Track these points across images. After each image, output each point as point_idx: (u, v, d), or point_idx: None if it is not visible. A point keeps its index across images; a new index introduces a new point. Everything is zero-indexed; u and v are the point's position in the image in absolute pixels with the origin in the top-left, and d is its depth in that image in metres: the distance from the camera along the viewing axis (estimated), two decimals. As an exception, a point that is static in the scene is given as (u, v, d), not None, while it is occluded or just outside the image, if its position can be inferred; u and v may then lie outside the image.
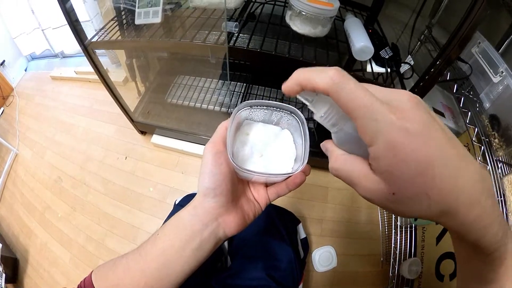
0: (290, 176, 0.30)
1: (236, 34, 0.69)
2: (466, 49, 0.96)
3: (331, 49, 0.71)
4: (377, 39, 0.79)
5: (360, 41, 0.70)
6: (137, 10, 0.82)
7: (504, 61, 0.84)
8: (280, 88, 0.21)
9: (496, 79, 0.87)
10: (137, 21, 0.81)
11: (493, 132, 0.82)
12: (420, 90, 0.76)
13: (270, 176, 0.30)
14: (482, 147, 0.78)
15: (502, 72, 0.83)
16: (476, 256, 0.20)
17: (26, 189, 1.24)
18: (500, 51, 0.96)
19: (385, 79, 0.74)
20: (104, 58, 1.39)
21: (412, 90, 0.76)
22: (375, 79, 0.74)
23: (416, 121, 0.16)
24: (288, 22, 0.72)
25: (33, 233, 1.12)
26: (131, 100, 1.07)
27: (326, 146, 0.24)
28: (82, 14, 1.30)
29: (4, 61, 1.63)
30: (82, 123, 1.34)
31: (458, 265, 0.23)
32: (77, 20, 0.81)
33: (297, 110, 0.31)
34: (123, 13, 0.99)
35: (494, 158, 0.76)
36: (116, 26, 0.89)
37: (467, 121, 0.86)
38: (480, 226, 0.18)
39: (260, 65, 1.08)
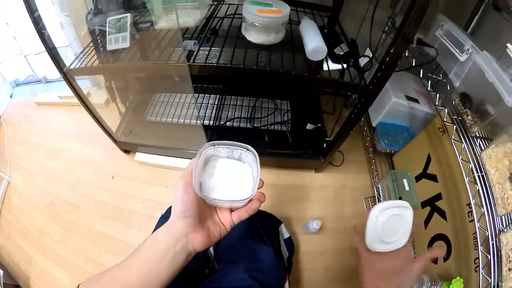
0: (247, 202, 0.40)
1: (195, 51, 0.82)
2: (430, 34, 1.05)
3: (286, 53, 0.83)
4: (333, 38, 0.90)
5: (312, 42, 0.81)
6: (107, 36, 0.96)
7: (469, 38, 0.89)
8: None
9: (462, 58, 0.91)
10: (109, 47, 0.94)
11: (465, 110, 0.88)
12: (381, 78, 0.81)
13: (229, 202, 0.40)
14: (455, 126, 0.84)
15: (468, 49, 0.88)
16: None
17: (22, 215, 1.35)
18: (468, 31, 1.04)
19: (341, 74, 0.85)
20: (85, 81, 1.53)
21: (372, 79, 0.83)
22: (329, 76, 0.84)
23: None
24: (244, 33, 0.84)
25: (32, 259, 1.22)
26: (113, 121, 1.20)
27: None
28: (61, 39, 1.45)
29: None
30: (70, 147, 1.46)
31: None
32: (54, 48, 0.93)
33: (251, 148, 0.42)
34: (98, 37, 1.13)
35: (471, 135, 0.82)
36: (92, 51, 1.03)
37: (438, 104, 0.94)
38: None
39: (221, 77, 1.20)
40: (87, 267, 1.14)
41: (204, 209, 0.41)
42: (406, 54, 1.01)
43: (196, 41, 0.80)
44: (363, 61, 0.92)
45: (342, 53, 0.85)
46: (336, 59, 0.86)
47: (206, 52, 0.81)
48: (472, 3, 1.03)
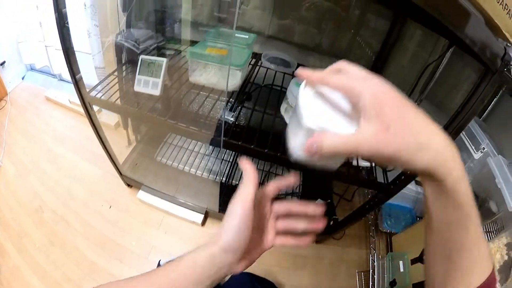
0: None
1: (232, 123, 0.71)
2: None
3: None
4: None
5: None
6: (137, 75, 0.83)
7: (485, 136, 0.87)
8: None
9: (476, 155, 0.89)
10: (136, 88, 0.82)
11: None
12: (404, 180, 0.75)
13: None
14: None
15: (484, 148, 0.86)
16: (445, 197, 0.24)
17: (6, 207, 1.20)
18: (483, 116, 0.99)
19: (369, 174, 0.77)
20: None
21: (395, 180, 0.77)
22: (359, 172, 0.76)
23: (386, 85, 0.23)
24: (283, 114, 0.75)
25: (6, 253, 1.09)
26: (120, 147, 1.07)
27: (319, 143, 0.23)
28: (85, 46, 1.30)
29: (4, 62, 1.60)
30: (69, 156, 1.32)
31: (429, 213, 0.27)
32: (80, 77, 0.83)
33: None
34: (125, 65, 1.00)
35: None
36: (116, 83, 0.90)
37: None
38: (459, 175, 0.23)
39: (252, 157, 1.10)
40: (65, 285, 1.02)
41: (253, 238, 0.33)
42: None
43: (233, 113, 0.69)
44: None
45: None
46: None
47: (241, 123, 0.71)
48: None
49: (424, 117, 0.23)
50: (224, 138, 0.69)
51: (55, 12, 0.71)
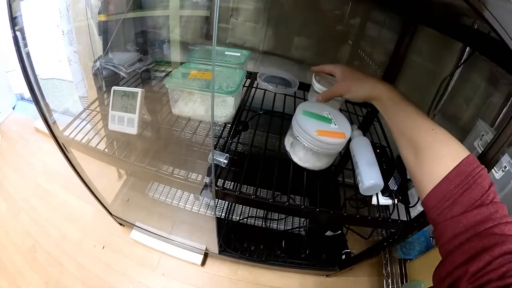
0: None
1: (226, 168, 0.51)
2: (467, 141, 0.82)
3: (333, 185, 0.54)
4: (385, 162, 0.63)
5: (370, 178, 0.54)
6: (110, 112, 0.63)
7: (508, 154, 0.70)
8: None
9: (498, 175, 0.72)
10: (111, 126, 0.64)
11: None
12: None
13: None
14: None
15: (506, 167, 0.68)
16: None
17: None
18: (495, 125, 0.82)
19: (391, 212, 0.58)
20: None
21: (418, 217, 0.59)
22: (379, 212, 0.57)
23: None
24: (288, 149, 0.56)
25: None
26: (111, 182, 0.87)
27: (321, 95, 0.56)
28: (67, 74, 1.11)
29: None
30: (60, 195, 1.17)
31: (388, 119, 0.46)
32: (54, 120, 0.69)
33: None
34: (105, 95, 0.81)
35: None
36: (96, 115, 0.70)
37: None
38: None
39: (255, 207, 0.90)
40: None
41: None
42: None
43: (227, 154, 0.49)
44: (410, 186, 0.65)
45: (395, 187, 0.58)
46: (387, 192, 0.59)
47: (236, 165, 0.51)
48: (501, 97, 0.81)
49: (364, 76, 0.49)
50: (216, 188, 0.48)
51: (17, 53, 0.59)
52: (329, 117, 0.54)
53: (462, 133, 0.86)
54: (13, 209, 1.14)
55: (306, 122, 0.51)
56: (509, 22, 0.28)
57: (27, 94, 1.54)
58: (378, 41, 0.82)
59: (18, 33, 0.59)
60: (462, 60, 0.77)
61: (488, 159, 0.40)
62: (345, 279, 0.97)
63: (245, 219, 0.90)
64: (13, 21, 0.57)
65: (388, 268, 0.96)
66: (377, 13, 0.79)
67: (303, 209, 0.51)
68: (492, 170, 0.75)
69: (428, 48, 0.83)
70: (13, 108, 1.58)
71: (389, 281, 0.94)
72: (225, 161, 0.53)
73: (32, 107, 1.56)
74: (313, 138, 0.49)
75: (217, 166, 0.53)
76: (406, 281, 0.97)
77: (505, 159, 0.72)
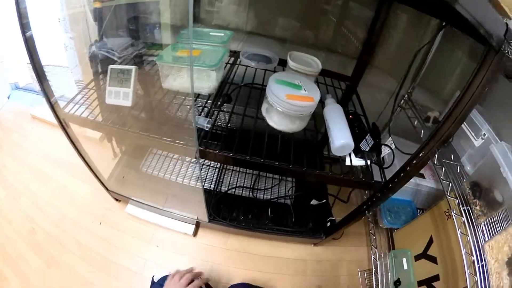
0: None
1: (209, 130, 0.62)
2: (446, 109, 0.92)
3: (307, 145, 0.65)
4: (358, 126, 0.74)
5: (340, 138, 0.65)
6: (108, 87, 0.75)
7: (486, 122, 0.79)
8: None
9: (477, 143, 0.81)
10: (108, 100, 0.74)
11: (475, 200, 0.75)
12: (402, 178, 0.69)
13: None
14: (463, 219, 0.72)
15: (484, 134, 0.78)
16: None
17: (0, 232, 1.15)
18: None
19: (364, 172, 0.69)
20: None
21: (393, 178, 0.70)
22: (352, 173, 0.68)
23: None
24: (264, 115, 0.67)
25: (4, 277, 1.04)
26: (107, 160, 0.99)
27: None
28: (63, 60, 1.23)
29: None
30: (58, 176, 1.26)
31: None
32: (54, 98, 0.77)
33: None
34: (101, 76, 0.92)
35: (477, 225, 0.71)
36: (91, 96, 0.82)
37: (448, 192, 0.80)
38: None
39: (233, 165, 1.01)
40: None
41: None
42: (415, 124, 0.89)
43: (209, 119, 0.61)
44: (383, 151, 0.76)
45: (367, 148, 0.69)
46: (360, 154, 0.69)
47: (220, 131, 0.63)
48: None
49: None
50: (200, 148, 0.60)
51: (22, 35, 0.67)
52: (300, 84, 0.64)
53: (443, 105, 0.96)
54: (12, 195, 1.23)
55: (278, 88, 0.61)
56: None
57: (22, 83, 1.62)
58: (358, 18, 0.92)
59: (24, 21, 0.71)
60: (434, 34, 0.86)
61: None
62: (333, 249, 1.07)
63: (233, 190, 1.00)
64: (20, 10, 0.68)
65: (375, 237, 1.06)
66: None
67: (290, 168, 0.60)
68: (472, 138, 0.85)
69: (405, 23, 0.90)
70: (8, 98, 1.66)
71: (376, 250, 1.05)
72: (208, 125, 0.64)
73: (28, 95, 1.70)
74: (283, 101, 0.58)
75: (201, 129, 0.64)
76: (393, 250, 1.08)
77: (484, 127, 0.81)
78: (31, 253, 1.09)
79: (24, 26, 0.67)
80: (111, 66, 0.75)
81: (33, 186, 1.26)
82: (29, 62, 0.72)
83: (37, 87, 1.61)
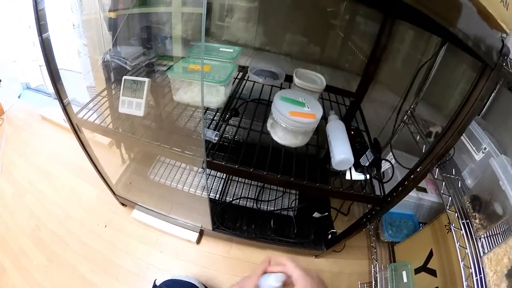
0: None
1: (216, 142, 0.68)
2: None
3: (310, 159, 0.70)
4: (359, 142, 0.78)
5: (340, 153, 0.69)
6: (121, 97, 0.81)
7: (487, 136, 0.81)
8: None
9: (478, 156, 0.83)
10: (121, 109, 0.80)
11: (474, 213, 0.78)
12: (401, 192, 0.73)
13: None
14: (462, 232, 0.76)
15: (485, 148, 0.80)
16: None
17: (3, 227, 1.20)
18: (481, 113, 0.94)
19: (364, 187, 0.73)
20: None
21: (391, 192, 0.74)
22: (352, 187, 0.72)
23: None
24: (269, 129, 0.72)
25: (5, 272, 1.08)
26: (115, 166, 1.05)
27: None
28: (75, 65, 1.30)
29: (0, 81, 1.62)
30: (65, 177, 1.31)
31: None
32: (67, 100, 0.81)
33: None
34: (113, 85, 0.99)
35: (476, 238, 0.74)
36: (104, 103, 0.88)
37: (449, 207, 0.83)
38: None
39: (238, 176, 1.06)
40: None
41: None
42: (417, 139, 0.92)
43: (217, 132, 0.66)
44: (383, 165, 0.80)
45: (367, 163, 0.73)
46: (360, 168, 0.74)
47: (226, 143, 0.68)
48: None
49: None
50: (207, 159, 0.66)
51: (38, 36, 0.69)
52: (303, 101, 0.69)
53: (445, 120, 0.99)
54: (18, 193, 1.28)
55: (282, 105, 0.66)
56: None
57: (34, 83, 1.70)
58: (364, 33, 0.96)
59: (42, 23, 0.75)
60: (437, 49, 0.90)
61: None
62: (333, 261, 1.10)
63: (238, 200, 1.04)
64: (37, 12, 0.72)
65: (376, 250, 1.10)
66: (361, 7, 0.94)
67: (292, 181, 0.64)
68: (473, 152, 0.88)
69: (409, 37, 0.93)
70: (19, 97, 1.74)
71: (376, 262, 1.08)
72: (216, 138, 0.70)
73: (38, 96, 1.78)
74: (287, 118, 0.63)
75: (209, 142, 0.70)
76: (394, 263, 1.11)
77: (484, 141, 0.85)
78: (34, 248, 1.13)
79: (41, 27, 0.68)
80: (125, 77, 0.81)
81: (40, 185, 1.31)
82: (44, 63, 0.78)
83: (48, 89, 1.70)
